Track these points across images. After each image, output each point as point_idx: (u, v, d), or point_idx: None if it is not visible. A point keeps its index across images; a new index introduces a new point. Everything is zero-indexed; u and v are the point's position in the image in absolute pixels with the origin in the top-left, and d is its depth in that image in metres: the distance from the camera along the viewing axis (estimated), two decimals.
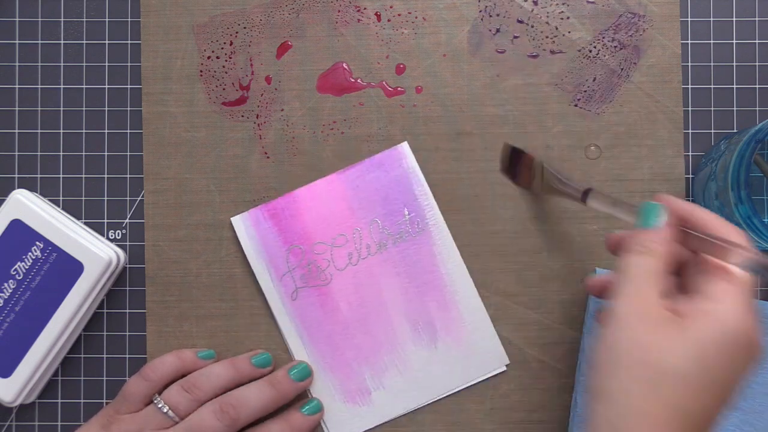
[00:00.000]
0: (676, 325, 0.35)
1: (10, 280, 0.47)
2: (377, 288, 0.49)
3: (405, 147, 0.49)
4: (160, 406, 0.45)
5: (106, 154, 0.50)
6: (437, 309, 0.49)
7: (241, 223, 0.49)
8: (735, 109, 0.50)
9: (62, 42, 0.51)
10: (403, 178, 0.49)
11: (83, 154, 0.50)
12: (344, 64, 0.50)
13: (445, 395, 0.49)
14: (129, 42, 0.51)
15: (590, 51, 0.50)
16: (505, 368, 0.49)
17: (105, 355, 0.50)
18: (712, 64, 0.50)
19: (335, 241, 0.49)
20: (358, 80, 0.50)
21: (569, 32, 0.50)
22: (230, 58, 0.50)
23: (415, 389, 0.49)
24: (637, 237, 0.38)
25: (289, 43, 0.50)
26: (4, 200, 0.49)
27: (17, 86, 0.51)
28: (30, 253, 0.47)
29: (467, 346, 0.49)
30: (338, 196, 0.49)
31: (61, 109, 0.51)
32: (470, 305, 0.49)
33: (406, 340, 0.49)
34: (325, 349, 0.49)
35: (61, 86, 0.51)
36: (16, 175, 0.51)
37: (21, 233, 0.47)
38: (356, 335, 0.49)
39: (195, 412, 0.45)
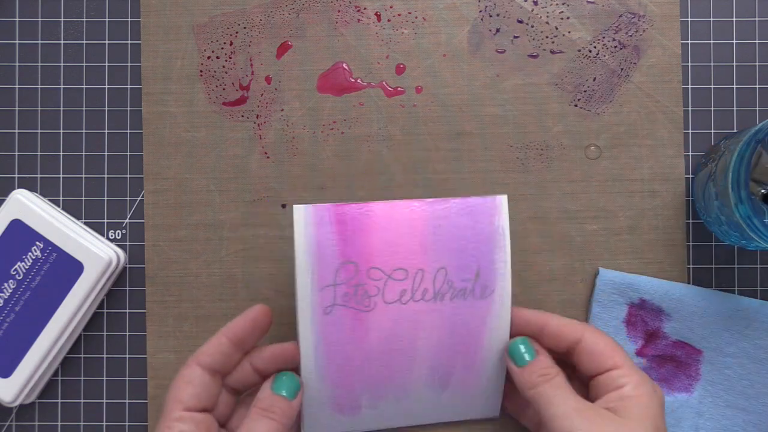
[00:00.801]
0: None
1: (10, 280, 0.47)
2: (414, 335, 0.45)
3: (503, 202, 0.44)
4: None
5: (106, 154, 0.50)
6: (462, 367, 0.46)
7: (302, 215, 0.43)
8: (735, 109, 0.50)
9: (62, 42, 0.51)
10: (489, 237, 0.44)
11: (83, 154, 0.50)
12: (344, 64, 0.50)
13: (430, 423, 0.48)
14: (129, 42, 0.51)
15: (590, 51, 0.50)
16: (497, 415, 0.48)
17: (105, 355, 0.50)
18: (712, 64, 0.50)
19: (394, 273, 0.44)
20: (358, 80, 0.50)
21: (569, 32, 0.50)
22: (230, 58, 0.50)
23: (406, 415, 0.47)
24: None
25: (289, 43, 0.50)
26: (4, 200, 0.49)
27: (17, 86, 0.51)
28: (30, 253, 0.47)
29: (471, 398, 0.47)
30: (416, 228, 0.44)
31: (61, 109, 0.51)
32: (494, 371, 0.46)
33: (418, 379, 0.46)
34: (335, 371, 0.45)
35: (61, 86, 0.51)
36: (16, 175, 0.51)
37: (21, 233, 0.47)
38: (372, 368, 0.45)
39: None
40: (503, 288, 0.45)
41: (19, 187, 0.50)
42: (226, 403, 0.44)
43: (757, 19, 0.50)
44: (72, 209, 0.50)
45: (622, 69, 0.50)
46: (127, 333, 0.50)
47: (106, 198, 0.50)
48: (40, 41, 0.51)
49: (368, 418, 0.47)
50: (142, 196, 0.50)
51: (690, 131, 0.50)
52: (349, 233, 0.43)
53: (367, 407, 0.46)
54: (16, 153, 0.51)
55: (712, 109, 0.50)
